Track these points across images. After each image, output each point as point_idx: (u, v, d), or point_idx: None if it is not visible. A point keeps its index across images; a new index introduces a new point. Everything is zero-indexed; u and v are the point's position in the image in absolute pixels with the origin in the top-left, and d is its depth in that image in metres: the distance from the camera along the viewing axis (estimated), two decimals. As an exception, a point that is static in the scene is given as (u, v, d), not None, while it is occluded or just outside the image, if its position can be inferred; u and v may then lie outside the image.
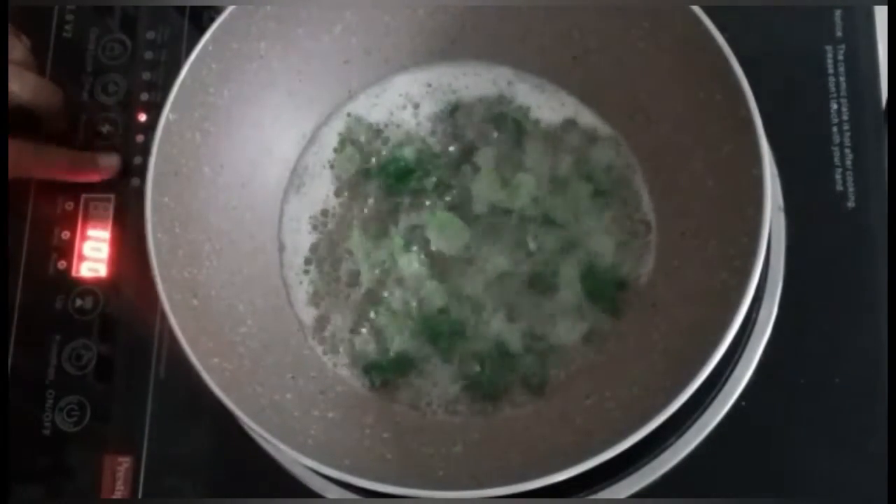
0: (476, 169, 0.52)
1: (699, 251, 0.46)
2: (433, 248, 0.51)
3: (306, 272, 0.51)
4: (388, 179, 0.52)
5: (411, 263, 0.50)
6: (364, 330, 0.50)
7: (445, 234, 0.50)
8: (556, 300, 0.50)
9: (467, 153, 0.52)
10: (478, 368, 0.49)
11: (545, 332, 0.49)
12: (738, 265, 0.42)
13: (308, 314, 0.51)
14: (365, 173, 0.52)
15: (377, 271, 0.51)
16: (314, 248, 0.52)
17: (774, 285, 0.50)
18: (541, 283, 0.50)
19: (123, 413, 0.51)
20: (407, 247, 0.51)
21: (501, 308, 0.50)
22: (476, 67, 0.54)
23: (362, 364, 0.50)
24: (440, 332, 0.49)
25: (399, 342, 0.50)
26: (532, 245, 0.50)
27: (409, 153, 0.52)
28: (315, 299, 0.51)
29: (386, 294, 0.50)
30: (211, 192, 0.48)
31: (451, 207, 0.51)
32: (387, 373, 0.49)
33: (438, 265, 0.50)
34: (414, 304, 0.50)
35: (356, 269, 0.51)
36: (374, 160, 0.53)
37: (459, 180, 0.52)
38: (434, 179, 0.51)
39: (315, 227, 0.52)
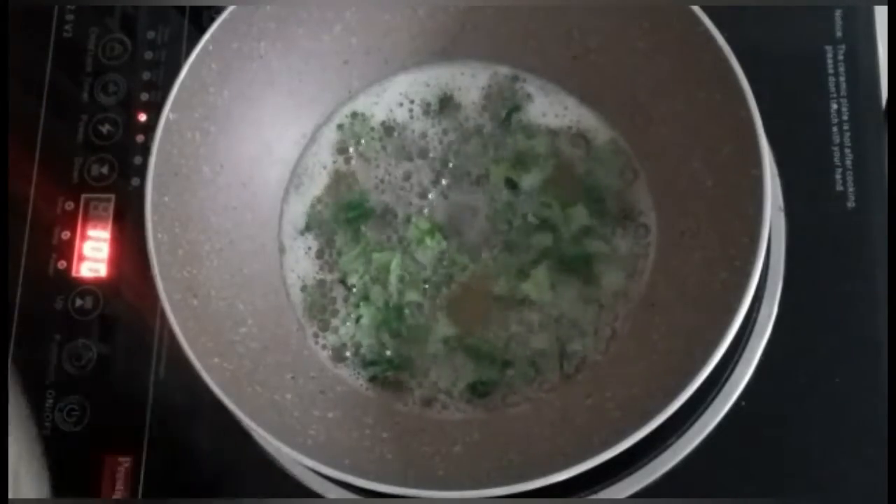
0: (480, 166, 0.52)
1: (699, 251, 0.46)
2: (414, 256, 0.51)
3: (305, 273, 0.51)
4: (344, 226, 0.52)
5: (397, 266, 0.50)
6: (361, 329, 0.50)
7: (424, 244, 0.50)
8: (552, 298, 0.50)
9: (466, 153, 0.52)
10: (477, 368, 0.49)
11: (542, 332, 0.49)
12: (738, 265, 0.42)
13: (308, 314, 0.51)
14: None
15: (371, 272, 0.51)
16: (314, 248, 0.52)
17: (774, 285, 0.50)
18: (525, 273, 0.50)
19: (123, 413, 0.51)
20: (393, 249, 0.51)
21: (494, 308, 0.50)
22: (476, 67, 0.54)
23: (362, 362, 0.50)
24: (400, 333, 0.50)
25: (389, 342, 0.50)
26: (530, 241, 0.50)
27: (369, 192, 0.52)
28: (315, 299, 0.51)
29: (378, 295, 0.50)
30: (211, 192, 0.48)
31: (440, 214, 0.51)
32: (385, 370, 0.49)
33: (425, 269, 0.51)
34: (397, 305, 0.50)
35: (352, 270, 0.51)
36: (366, 148, 0.53)
37: (452, 181, 0.52)
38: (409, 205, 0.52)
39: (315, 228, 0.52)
